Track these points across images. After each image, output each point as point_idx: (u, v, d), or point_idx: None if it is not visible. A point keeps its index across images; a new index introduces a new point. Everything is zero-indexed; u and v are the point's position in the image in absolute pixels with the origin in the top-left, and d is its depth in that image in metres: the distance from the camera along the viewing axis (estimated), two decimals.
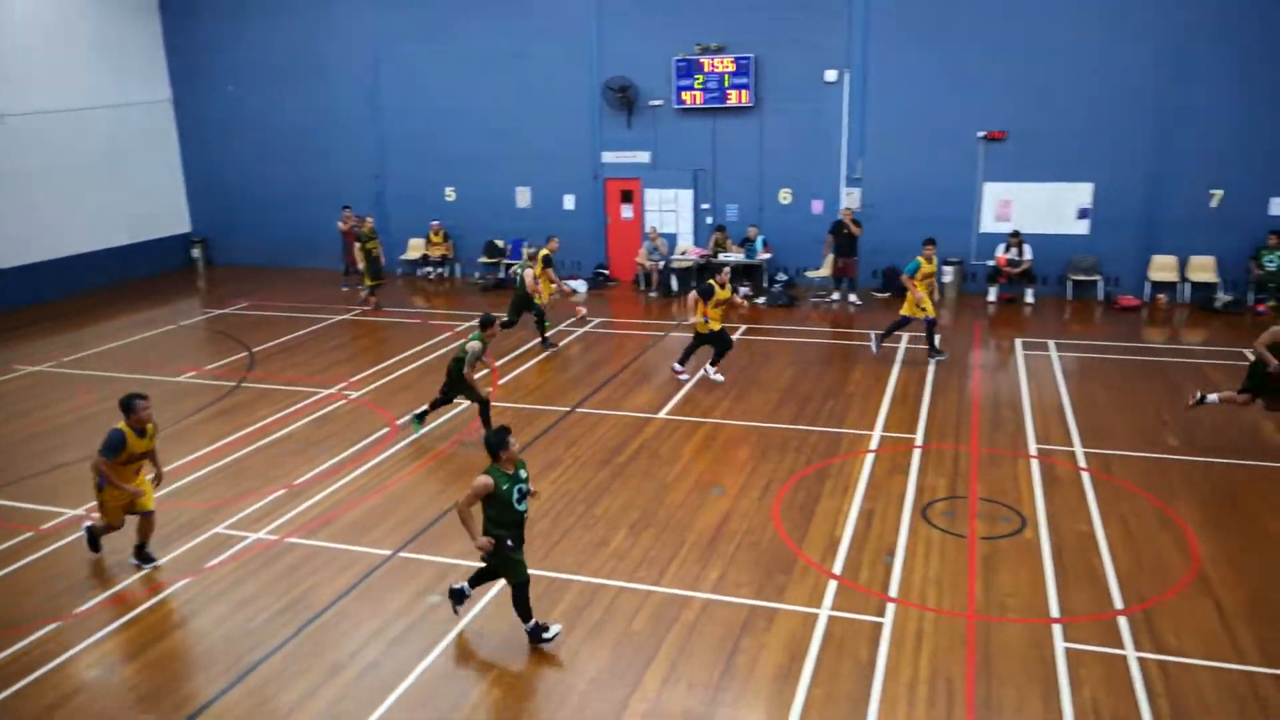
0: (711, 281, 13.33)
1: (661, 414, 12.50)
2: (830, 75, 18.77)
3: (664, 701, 6.68)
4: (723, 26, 19.20)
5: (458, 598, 7.60)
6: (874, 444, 11.26)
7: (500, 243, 21.83)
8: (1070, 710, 6.41)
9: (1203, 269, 17.68)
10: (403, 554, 8.84)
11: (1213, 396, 10.92)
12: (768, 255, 19.54)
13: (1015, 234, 18.03)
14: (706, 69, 19.24)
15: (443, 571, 8.45)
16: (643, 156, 20.41)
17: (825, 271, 19.39)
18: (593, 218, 21.16)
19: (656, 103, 19.94)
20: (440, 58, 21.21)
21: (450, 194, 22.22)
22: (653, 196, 20.59)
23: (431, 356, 15.39)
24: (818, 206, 19.61)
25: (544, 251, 16.20)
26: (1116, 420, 11.76)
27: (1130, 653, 7.03)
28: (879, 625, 7.50)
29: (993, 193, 18.59)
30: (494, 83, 20.94)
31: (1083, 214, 18.19)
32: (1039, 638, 7.26)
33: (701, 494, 9.99)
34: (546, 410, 12.70)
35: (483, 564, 7.43)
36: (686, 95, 19.53)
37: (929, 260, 14.30)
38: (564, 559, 8.69)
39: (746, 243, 19.46)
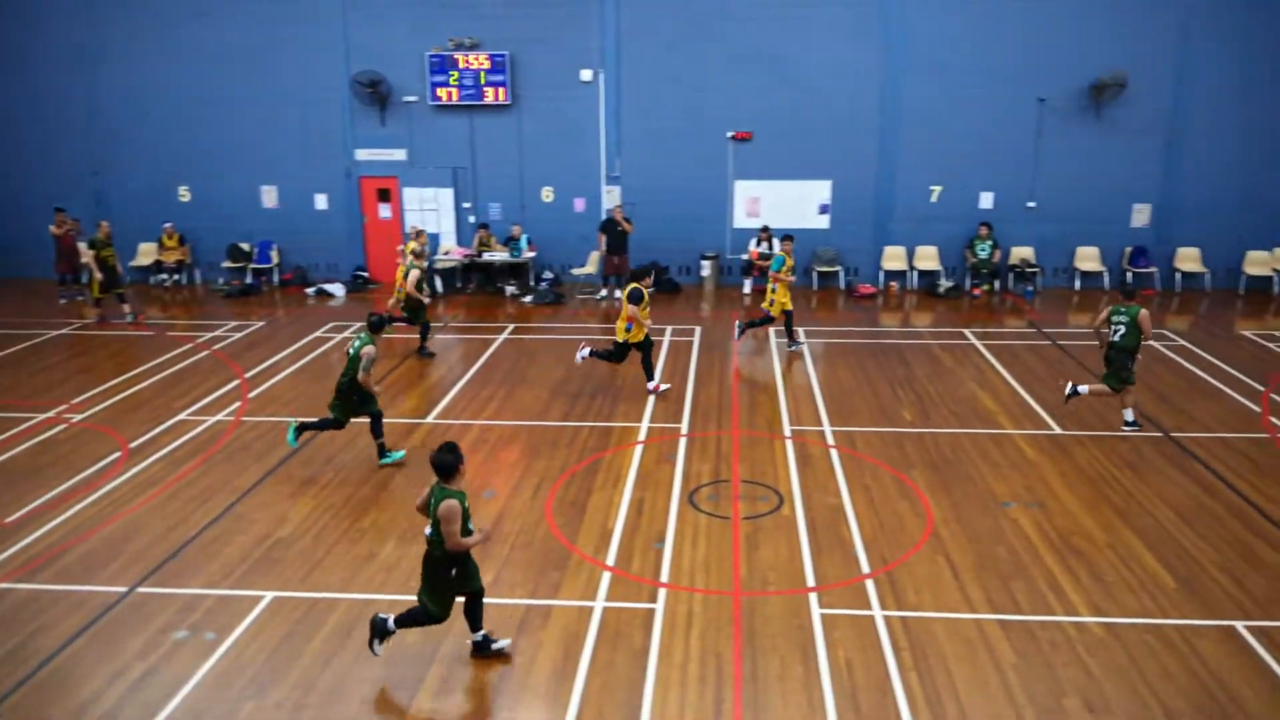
0: (638, 285, 12.67)
1: (429, 418, 12.16)
2: (585, 75, 19.03)
3: (441, 712, 6.47)
4: (477, 22, 18.96)
5: (381, 631, 6.90)
6: (642, 435, 11.51)
7: (246, 246, 20.42)
8: (827, 671, 6.83)
9: (927, 258, 19.50)
10: (141, 589, 8.03)
11: (1083, 388, 11.74)
12: (533, 254, 19.53)
13: (765, 229, 19.08)
14: (462, 65, 18.93)
15: (188, 604, 7.75)
16: (399, 154, 19.79)
17: (591, 269, 19.65)
18: (348, 218, 20.27)
19: (411, 99, 19.39)
20: (172, 45, 19.49)
21: (184, 193, 20.50)
22: (412, 195, 20.01)
23: (167, 372, 14.12)
24: (580, 204, 19.83)
25: (411, 245, 15.87)
26: (859, 399, 12.71)
27: (877, 612, 7.60)
28: (652, 611, 7.65)
29: (743, 190, 19.57)
30: (234, 74, 19.55)
31: (823, 209, 19.54)
32: (798, 607, 7.68)
33: (473, 498, 9.75)
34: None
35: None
36: (442, 92, 19.13)
37: (790, 255, 14.94)
38: (328, 577, 8.22)
39: (511, 241, 19.35)
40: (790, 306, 14.86)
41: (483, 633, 7.06)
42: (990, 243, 18.73)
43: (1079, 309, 17.96)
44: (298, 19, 19.17)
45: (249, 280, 20.00)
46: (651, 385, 12.94)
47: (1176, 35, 18.07)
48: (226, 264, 20.36)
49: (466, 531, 6.70)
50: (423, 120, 19.54)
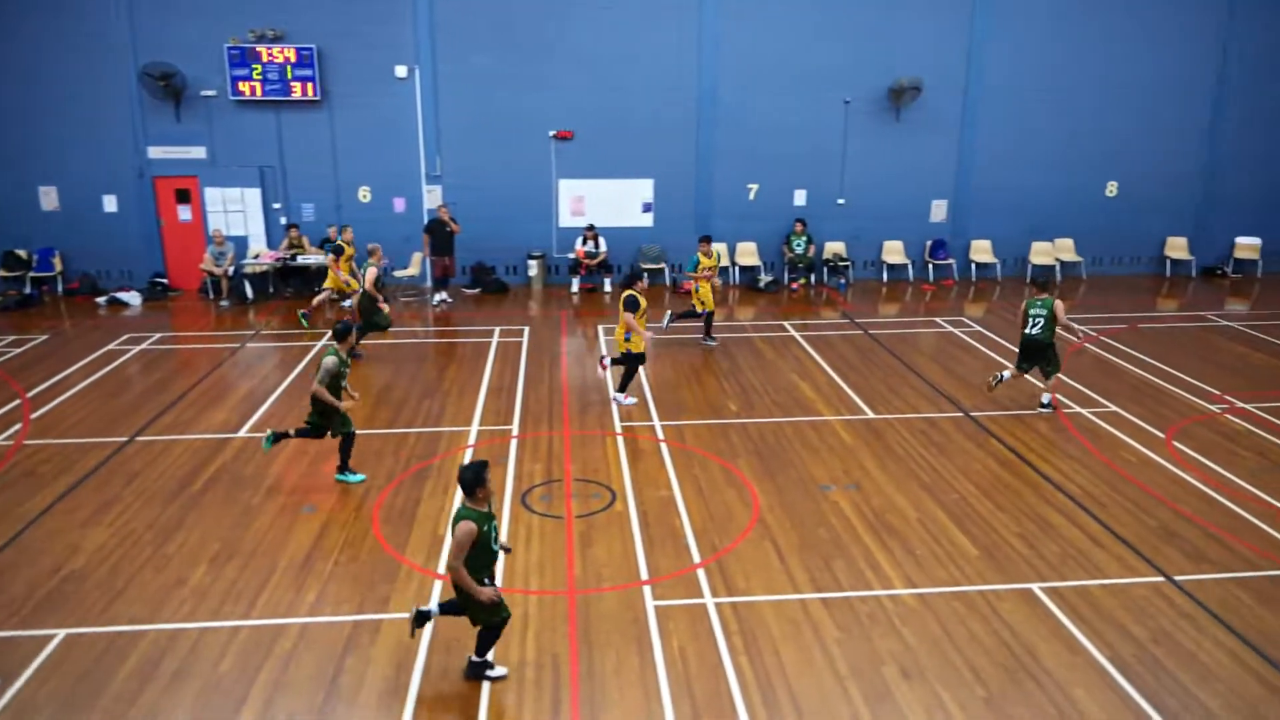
0: (633, 292, 12.12)
1: (242, 433, 11.46)
2: (401, 71, 18.47)
3: None
4: (280, 14, 18.02)
5: (421, 620, 6.72)
6: (472, 438, 11.28)
7: (23, 253, 18.57)
8: (662, 662, 6.90)
9: (748, 254, 20.14)
10: None
11: (1006, 374, 12.35)
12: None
13: (590, 228, 19.14)
14: (265, 58, 17.94)
15: None
16: (198, 152, 18.54)
17: (414, 270, 19.11)
18: (142, 221, 18.83)
19: (209, 93, 18.21)
20: None
21: None
22: (215, 196, 18.80)
23: None
24: (400, 205, 19.25)
25: (341, 242, 15.85)
26: (687, 393, 12.95)
27: (709, 600, 7.75)
28: None
29: (567, 189, 19.56)
30: (3, 65, 17.74)
31: (646, 208, 19.81)
32: (632, 601, 7.73)
33: (292, 514, 9.29)
34: (97, 443, 11.03)
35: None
36: (244, 86, 18.07)
37: (706, 255, 15.04)
38: (130, 609, 7.58)
39: (327, 243, 18.52)
40: (712, 306, 15.08)
41: (485, 660, 6.75)
42: (805, 238, 19.55)
43: (887, 300, 19.02)
44: (76, 5, 17.60)
45: (28, 290, 18.22)
46: (619, 398, 12.45)
47: (965, 43, 19.43)
48: (0, 273, 18.45)
49: (491, 556, 6.46)
50: (224, 116, 18.40)
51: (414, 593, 7.85)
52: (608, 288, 19.25)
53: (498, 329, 16.18)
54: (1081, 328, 15.80)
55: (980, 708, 6.46)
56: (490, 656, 6.74)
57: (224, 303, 17.99)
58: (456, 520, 6.24)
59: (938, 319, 17.16)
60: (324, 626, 7.36)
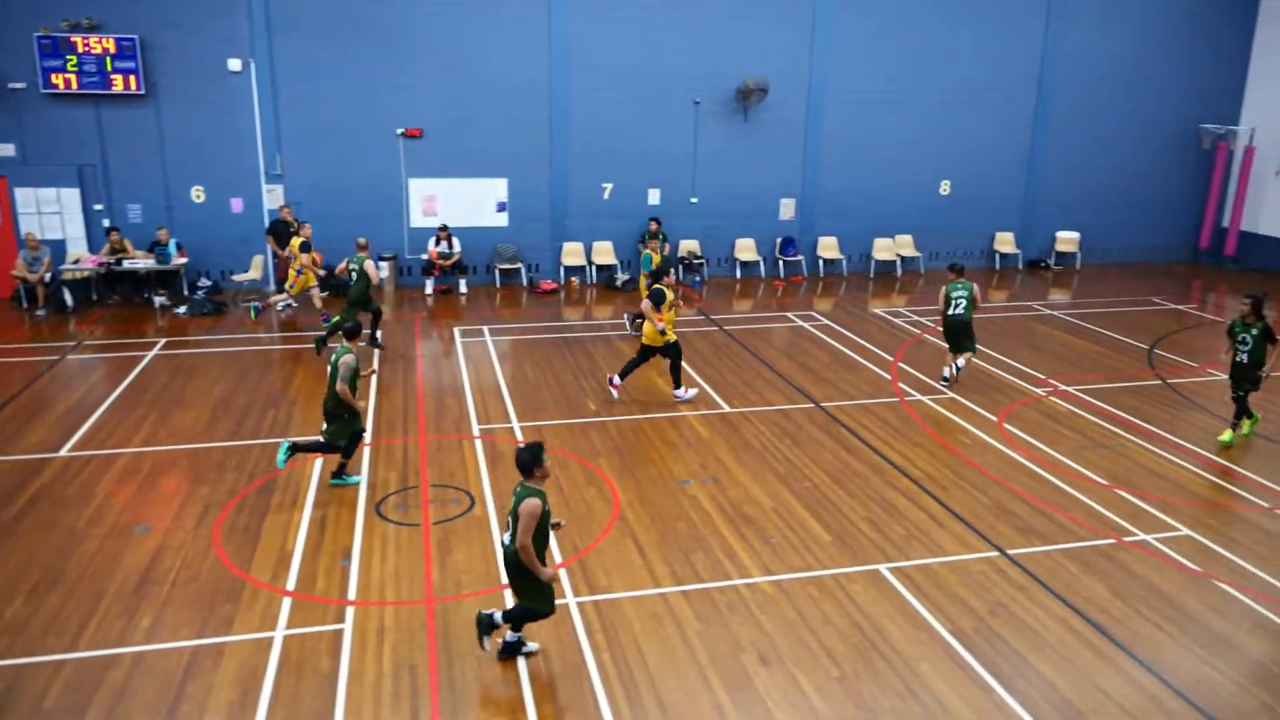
0: (661, 286, 12.21)
1: (63, 451, 10.62)
2: (234, 64, 17.55)
3: None
4: (95, 2, 16.79)
5: (487, 627, 6.77)
6: None
7: None
8: (524, 666, 6.81)
9: (604, 253, 20.19)
10: None
11: (960, 363, 13.18)
12: (184, 260, 17.71)
13: (444, 228, 18.75)
14: (80, 49, 16.70)
15: None
16: (6, 149, 17.08)
17: (255, 274, 18.23)
18: None
19: (18, 86, 16.80)
20: None
21: None
22: (27, 197, 17.36)
23: None
24: (238, 205, 18.31)
25: (301, 240, 15.64)
26: (546, 393, 12.85)
27: (571, 600, 7.70)
28: (340, 632, 7.21)
29: (418, 188, 19.09)
30: None
31: (501, 207, 19.57)
32: (493, 606, 7.58)
33: (124, 536, 8.68)
34: None
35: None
36: (58, 79, 16.76)
37: (656, 252, 15.61)
38: None
39: (156, 246, 17.43)
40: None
41: (518, 636, 6.91)
42: (660, 237, 19.77)
43: (741, 296, 19.46)
44: None
45: None
46: (616, 380, 12.60)
47: (808, 48, 20.10)
48: None
49: (545, 535, 6.45)
50: (36, 110, 17.01)
51: (261, 611, 7.47)
52: (463, 289, 18.90)
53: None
54: (923, 320, 16.63)
55: (834, 688, 6.67)
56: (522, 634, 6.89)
57: (40, 311, 16.61)
58: (520, 499, 6.33)
59: (789, 314, 17.69)
60: (161, 653, 6.90)
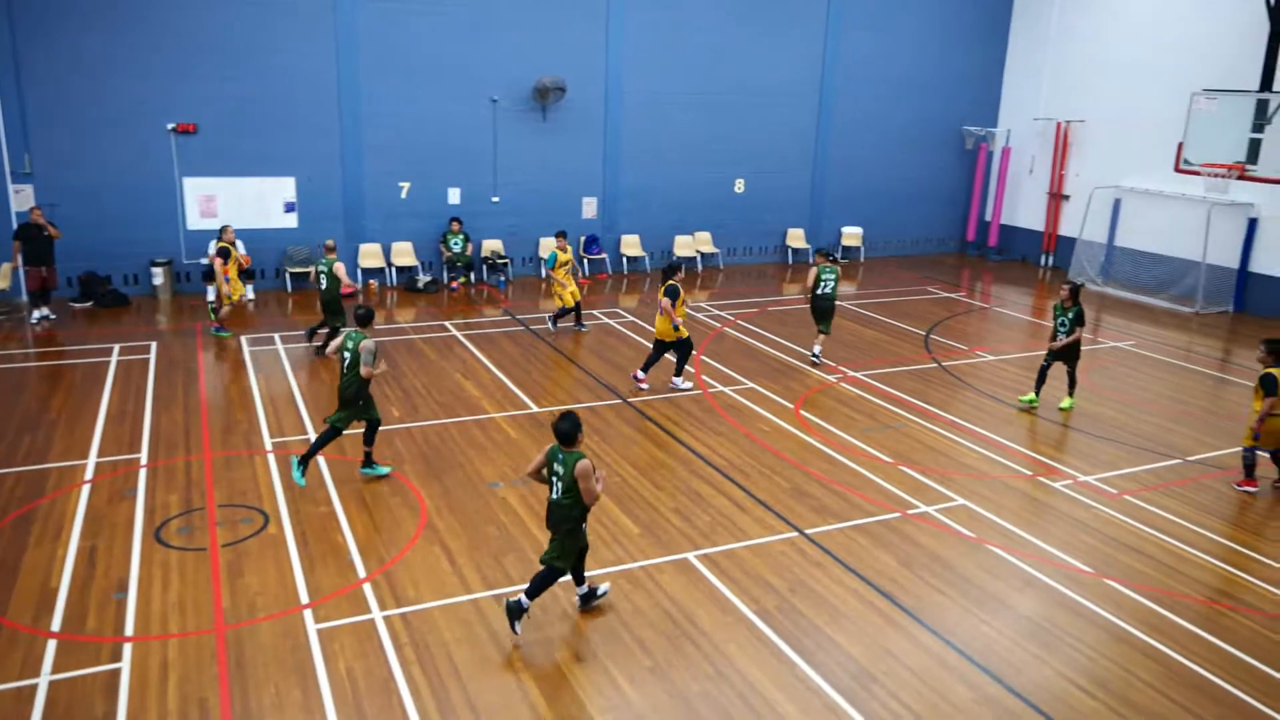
0: (674, 282, 12.72)
1: None
2: None
3: None
4: None
5: (517, 611, 7.07)
6: (89, 473, 9.88)
7: None
8: (328, 687, 6.48)
9: (404, 254, 19.58)
10: None
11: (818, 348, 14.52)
12: None
13: (226, 229, 17.46)
14: None
15: None
16: None
17: (3, 284, 16.40)
18: None
19: None
20: None
21: None
22: None
23: None
24: None
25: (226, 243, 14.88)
26: None
27: (377, 615, 7.40)
28: (116, 672, 6.60)
29: (195, 188, 17.79)
30: None
31: (290, 208, 18.57)
32: (292, 628, 7.18)
33: None
34: None
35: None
36: None
37: (563, 250, 15.82)
38: None
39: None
40: (579, 297, 15.98)
41: (587, 586, 7.54)
42: (462, 236, 19.40)
43: (547, 295, 19.40)
44: None
45: None
46: (640, 375, 13.16)
47: (603, 48, 20.30)
48: None
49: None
50: None
51: (21, 659, 6.70)
52: (250, 295, 17.78)
53: (117, 346, 14.36)
54: (723, 314, 17.19)
55: (647, 677, 6.75)
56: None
57: None
58: (572, 463, 6.95)
59: (595, 312, 17.81)
60: None
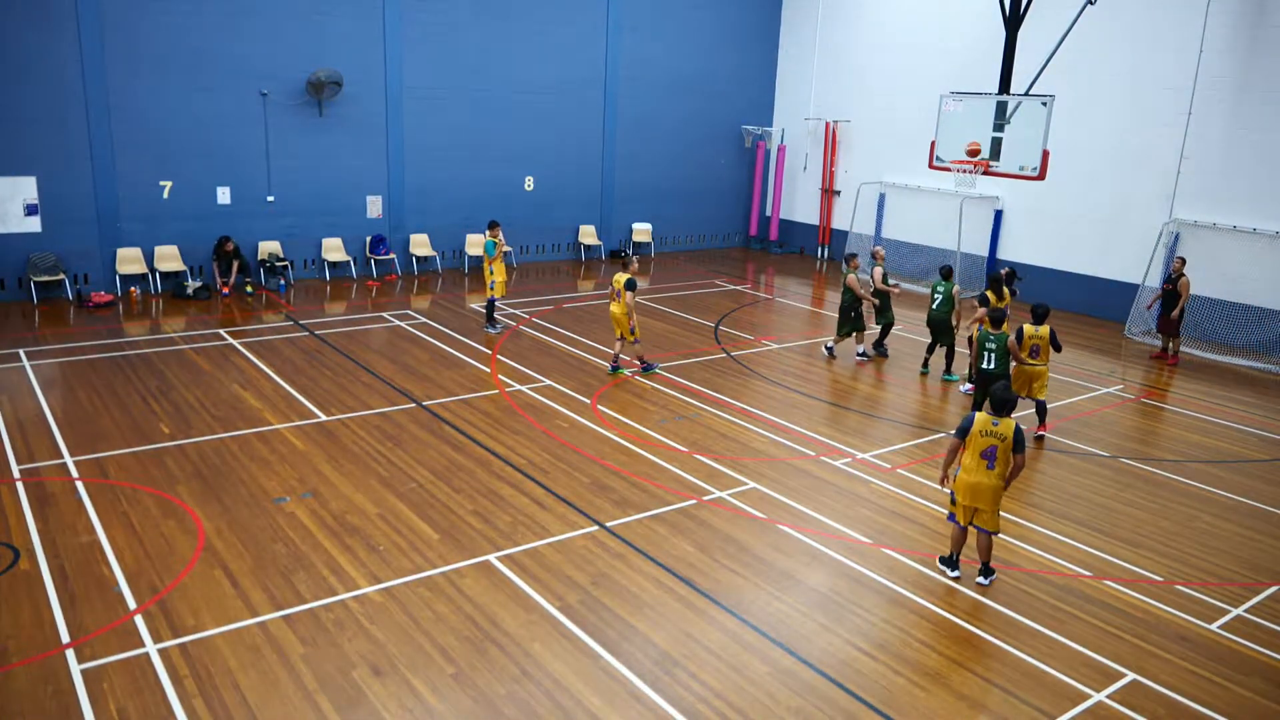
0: (631, 275, 13.68)
1: None
2: None
3: None
4: None
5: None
6: None
7: None
8: None
9: (170, 258, 18.14)
10: None
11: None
12: None
13: None
14: None
15: None
16: None
17: None
18: None
19: None
20: None
21: None
22: None
23: None
24: None
25: None
26: (107, 421, 11.26)
27: (151, 648, 6.83)
28: None
29: None
30: None
31: (31, 210, 16.76)
32: (52, 671, 6.50)
33: None
34: None
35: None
36: None
37: (499, 239, 15.90)
38: None
39: None
40: (504, 292, 16.33)
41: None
42: (233, 247, 18.20)
43: (332, 298, 18.58)
44: None
45: None
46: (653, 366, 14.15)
47: (381, 43, 19.64)
48: None
49: None
50: None
51: None
52: None
53: None
54: (518, 312, 17.10)
55: (450, 685, 6.62)
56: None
57: None
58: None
59: (385, 314, 17.25)
60: None
